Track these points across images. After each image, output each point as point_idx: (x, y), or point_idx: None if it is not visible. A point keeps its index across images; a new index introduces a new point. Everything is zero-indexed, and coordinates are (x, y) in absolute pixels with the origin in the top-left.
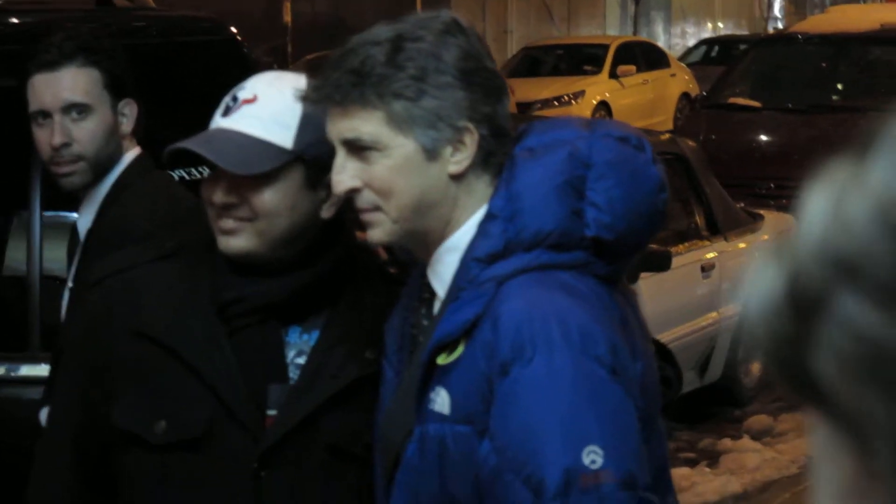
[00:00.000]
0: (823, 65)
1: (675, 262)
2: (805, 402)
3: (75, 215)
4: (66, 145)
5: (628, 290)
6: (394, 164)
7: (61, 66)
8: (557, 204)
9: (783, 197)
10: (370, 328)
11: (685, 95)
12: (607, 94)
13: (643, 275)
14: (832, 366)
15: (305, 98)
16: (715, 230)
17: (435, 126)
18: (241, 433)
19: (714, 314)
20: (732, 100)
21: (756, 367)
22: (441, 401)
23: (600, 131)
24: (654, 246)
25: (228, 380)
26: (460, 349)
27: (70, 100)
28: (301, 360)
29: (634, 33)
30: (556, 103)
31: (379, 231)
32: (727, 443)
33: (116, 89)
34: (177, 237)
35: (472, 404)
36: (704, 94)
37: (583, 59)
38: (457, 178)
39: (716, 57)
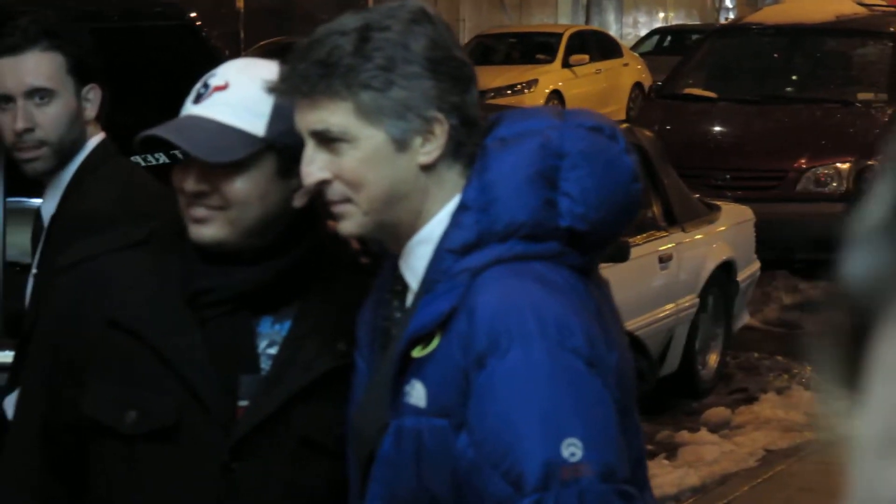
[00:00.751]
0: (779, 56)
1: (633, 252)
2: None
3: (38, 201)
4: (28, 130)
5: (601, 280)
6: (363, 156)
7: (25, 50)
8: (530, 194)
9: (739, 188)
10: (342, 319)
11: (638, 85)
12: (560, 84)
13: (601, 266)
14: None
15: (273, 89)
16: (672, 221)
17: (404, 117)
18: (212, 424)
19: (671, 305)
20: (688, 90)
21: (713, 359)
22: (417, 394)
23: (572, 121)
24: None
25: (199, 370)
26: (435, 342)
27: (33, 84)
28: (273, 351)
29: (586, 22)
30: (508, 92)
31: (350, 223)
32: (685, 435)
33: (81, 74)
34: (145, 224)
35: (449, 397)
36: (659, 84)
37: (535, 48)
38: (427, 168)
39: (668, 47)
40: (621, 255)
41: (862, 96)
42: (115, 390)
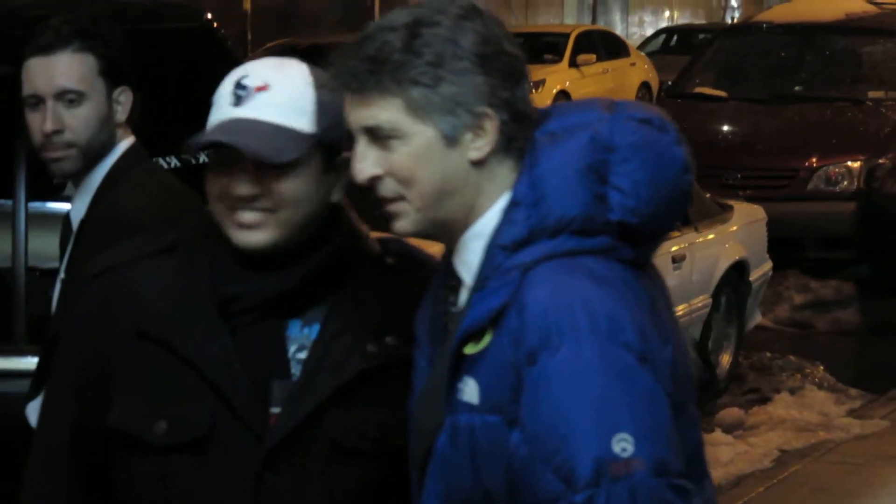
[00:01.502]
0: (789, 54)
1: None
2: None
3: (60, 206)
4: (57, 132)
5: (656, 273)
6: (414, 152)
7: (56, 51)
8: (580, 189)
9: (750, 187)
10: (371, 320)
11: (645, 85)
12: (568, 84)
13: None
14: None
15: (323, 86)
16: (685, 221)
17: (454, 112)
18: (245, 432)
19: (684, 305)
20: (698, 89)
21: (726, 359)
22: (469, 391)
23: (622, 113)
24: None
25: (231, 377)
26: (487, 338)
27: (64, 86)
28: (302, 355)
29: (592, 22)
30: None
31: (404, 222)
32: None
33: (112, 76)
34: (174, 230)
35: (501, 393)
36: (669, 83)
37: (543, 48)
38: (478, 164)
39: (675, 46)
40: None
41: (873, 94)
42: (144, 401)
